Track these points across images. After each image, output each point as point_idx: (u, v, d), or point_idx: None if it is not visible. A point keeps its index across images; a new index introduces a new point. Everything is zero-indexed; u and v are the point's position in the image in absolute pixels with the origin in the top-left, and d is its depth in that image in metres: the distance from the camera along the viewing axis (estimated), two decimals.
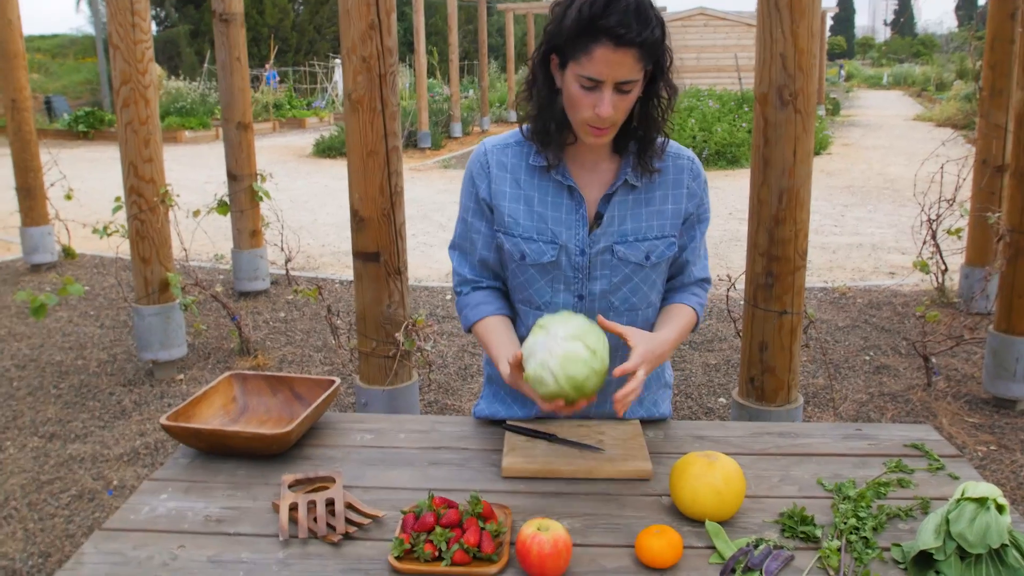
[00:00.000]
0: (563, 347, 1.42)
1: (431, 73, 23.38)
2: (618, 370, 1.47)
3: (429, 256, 7.53)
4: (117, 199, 4.66)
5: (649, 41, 1.45)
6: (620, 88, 1.48)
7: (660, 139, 1.63)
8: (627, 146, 1.64)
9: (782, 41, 2.71)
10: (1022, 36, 3.78)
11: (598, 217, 1.65)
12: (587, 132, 1.55)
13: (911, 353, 4.74)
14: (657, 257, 1.67)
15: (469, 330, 1.77)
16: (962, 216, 5.37)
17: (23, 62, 6.48)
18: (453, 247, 1.80)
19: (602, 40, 1.43)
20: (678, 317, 1.72)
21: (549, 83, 1.58)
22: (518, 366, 1.51)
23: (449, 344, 5.09)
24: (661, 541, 1.27)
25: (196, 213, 5.39)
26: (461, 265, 1.78)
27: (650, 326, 1.74)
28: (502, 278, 1.78)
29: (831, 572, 1.27)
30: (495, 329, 1.70)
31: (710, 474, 1.38)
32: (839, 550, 1.31)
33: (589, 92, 1.49)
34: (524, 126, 1.67)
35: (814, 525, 1.38)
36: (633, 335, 1.54)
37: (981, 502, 1.28)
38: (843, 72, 41.16)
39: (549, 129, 1.59)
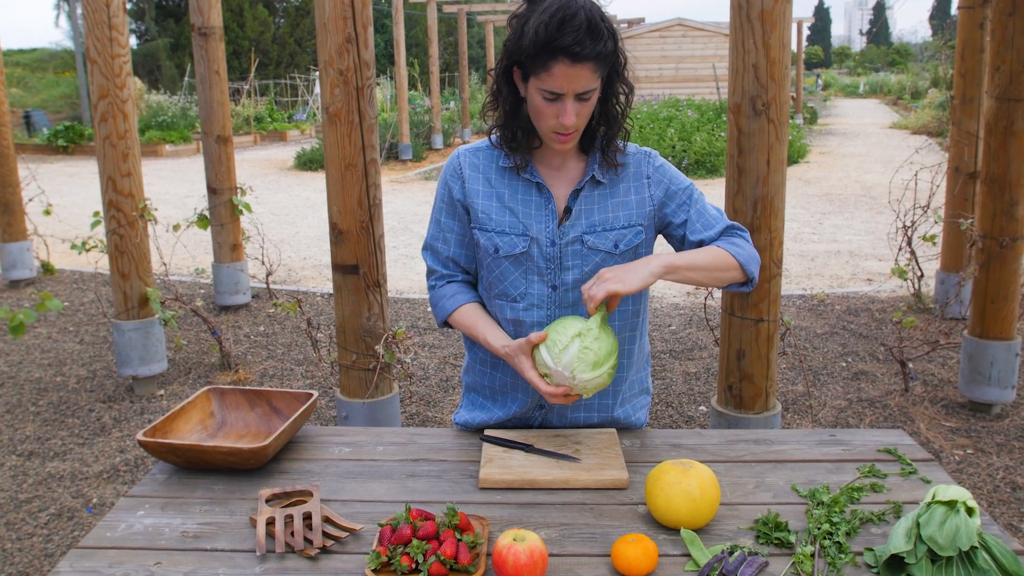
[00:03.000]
0: (576, 352, 1.52)
1: (412, 85, 23.43)
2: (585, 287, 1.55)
3: (410, 268, 7.53)
4: (96, 214, 4.64)
5: (603, 53, 1.54)
6: (580, 97, 1.57)
7: (621, 137, 1.74)
8: (592, 144, 1.73)
9: (754, 52, 2.74)
10: (991, 45, 3.83)
11: (567, 211, 1.73)
12: (553, 139, 1.64)
13: (888, 359, 4.78)
14: (625, 245, 1.73)
15: (445, 322, 1.84)
16: (936, 222, 5.44)
17: (1, 77, 6.43)
18: (426, 247, 1.87)
19: (559, 58, 1.52)
20: (694, 250, 1.68)
21: (513, 93, 1.67)
22: (529, 346, 1.58)
23: (430, 356, 5.08)
24: (637, 550, 1.28)
25: (176, 227, 5.36)
26: (434, 262, 1.85)
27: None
28: (472, 274, 1.86)
29: None
30: (476, 314, 1.78)
31: (685, 482, 1.39)
32: (813, 555, 1.32)
33: (552, 103, 1.58)
34: (492, 136, 1.75)
35: (788, 531, 1.39)
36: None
37: (951, 505, 1.30)
38: (820, 81, 41.56)
39: (517, 136, 1.69)
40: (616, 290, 1.51)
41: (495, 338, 1.71)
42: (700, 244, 1.72)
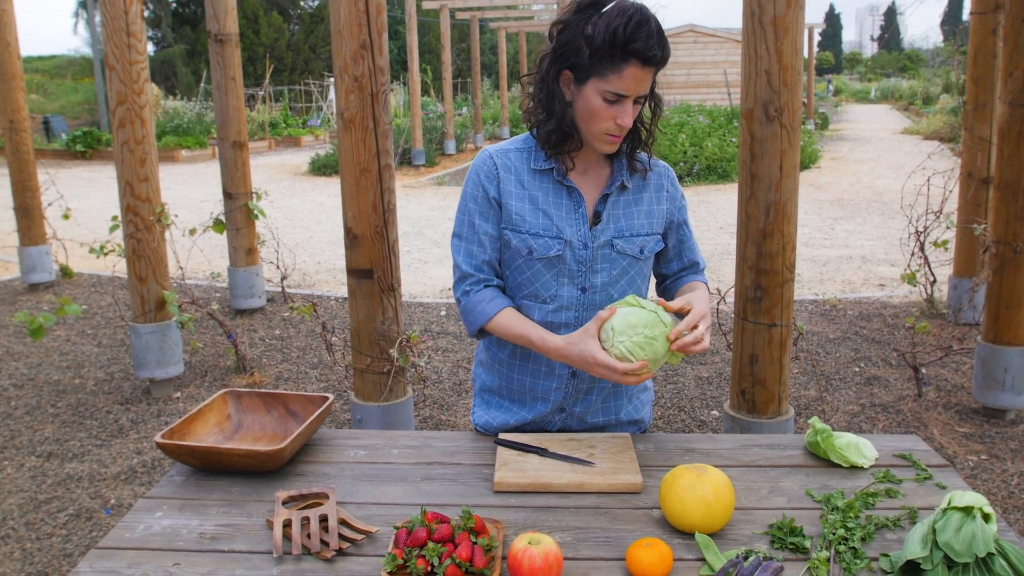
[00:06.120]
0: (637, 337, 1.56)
1: (425, 91, 23.47)
2: (684, 325, 1.58)
3: (424, 272, 7.53)
4: (114, 218, 4.67)
5: (666, 60, 1.60)
6: (637, 100, 1.62)
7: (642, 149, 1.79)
8: (620, 149, 1.75)
9: (767, 58, 2.73)
10: (1004, 51, 3.80)
11: (596, 216, 1.75)
12: (605, 141, 1.67)
13: (901, 364, 4.75)
14: (648, 252, 1.80)
15: (481, 329, 1.78)
16: (949, 228, 5.40)
17: (21, 83, 6.49)
18: (459, 251, 1.80)
19: (632, 61, 1.56)
20: (700, 289, 1.82)
21: (563, 97, 1.68)
22: (598, 323, 1.60)
23: (444, 360, 5.08)
24: (651, 554, 1.27)
25: (192, 231, 5.39)
26: (469, 266, 1.78)
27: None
28: (501, 278, 1.83)
29: None
30: (521, 317, 1.76)
31: (699, 486, 1.38)
32: (828, 560, 1.31)
33: (612, 105, 1.61)
34: (546, 144, 1.73)
35: (803, 536, 1.38)
36: (688, 302, 1.64)
37: (967, 511, 1.29)
38: (831, 87, 41.43)
39: (572, 138, 1.71)
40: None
41: (552, 336, 1.68)
42: (665, 275, 1.93)
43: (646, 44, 1.54)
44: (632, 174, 1.77)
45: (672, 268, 1.92)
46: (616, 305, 1.61)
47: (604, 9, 1.58)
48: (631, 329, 1.55)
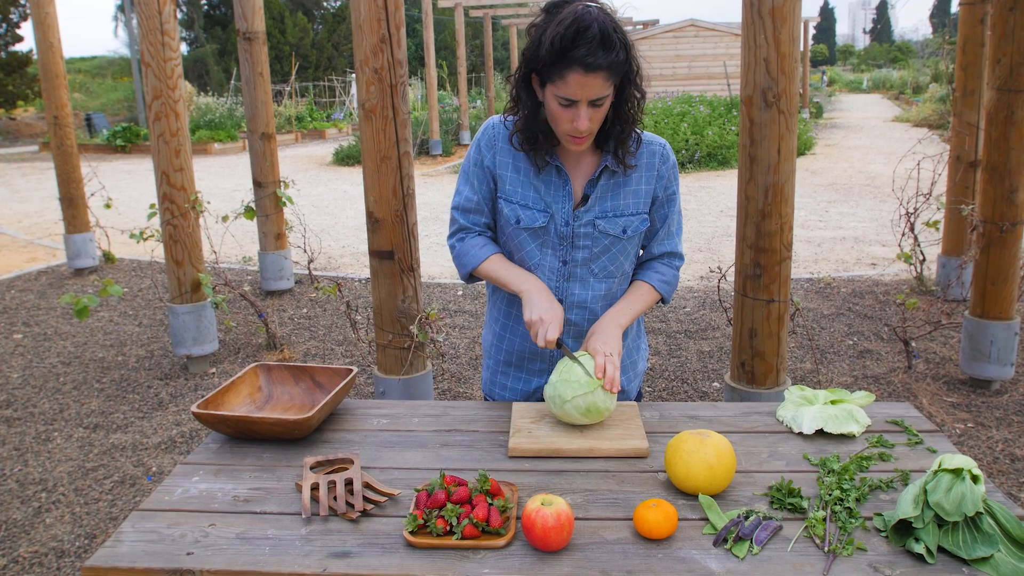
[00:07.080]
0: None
1: (441, 85, 23.36)
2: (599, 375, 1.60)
3: (441, 255, 7.52)
4: (152, 206, 4.68)
5: (615, 63, 1.53)
6: (593, 103, 1.57)
7: (634, 137, 1.73)
8: (607, 141, 1.72)
9: (765, 46, 2.69)
10: (992, 39, 3.73)
11: (584, 198, 1.75)
12: (569, 141, 1.65)
13: (892, 338, 4.71)
14: (632, 231, 1.77)
15: (471, 274, 1.82)
16: (939, 209, 5.34)
17: (64, 82, 6.49)
18: (456, 207, 1.84)
19: (574, 67, 1.51)
20: (631, 295, 1.82)
21: (532, 98, 1.66)
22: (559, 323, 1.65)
23: (461, 336, 5.08)
24: (657, 514, 1.26)
25: (225, 218, 5.39)
26: (464, 218, 1.83)
27: (621, 291, 1.85)
28: (493, 231, 1.86)
29: (817, 540, 1.26)
30: (506, 264, 1.78)
31: (703, 451, 1.37)
32: (824, 520, 1.30)
33: (567, 108, 1.58)
34: (514, 139, 1.74)
35: (801, 497, 1.37)
36: (587, 344, 1.69)
37: (957, 473, 1.27)
38: (825, 78, 40.95)
39: (537, 138, 1.69)
40: (619, 360, 1.64)
41: (531, 276, 1.73)
42: (641, 255, 1.89)
43: (587, 50, 1.48)
44: (617, 165, 1.72)
45: (649, 250, 1.86)
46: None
47: (561, 14, 1.53)
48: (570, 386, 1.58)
